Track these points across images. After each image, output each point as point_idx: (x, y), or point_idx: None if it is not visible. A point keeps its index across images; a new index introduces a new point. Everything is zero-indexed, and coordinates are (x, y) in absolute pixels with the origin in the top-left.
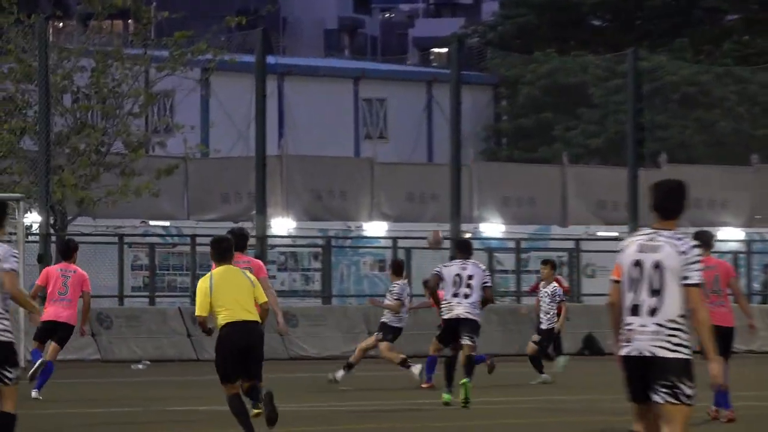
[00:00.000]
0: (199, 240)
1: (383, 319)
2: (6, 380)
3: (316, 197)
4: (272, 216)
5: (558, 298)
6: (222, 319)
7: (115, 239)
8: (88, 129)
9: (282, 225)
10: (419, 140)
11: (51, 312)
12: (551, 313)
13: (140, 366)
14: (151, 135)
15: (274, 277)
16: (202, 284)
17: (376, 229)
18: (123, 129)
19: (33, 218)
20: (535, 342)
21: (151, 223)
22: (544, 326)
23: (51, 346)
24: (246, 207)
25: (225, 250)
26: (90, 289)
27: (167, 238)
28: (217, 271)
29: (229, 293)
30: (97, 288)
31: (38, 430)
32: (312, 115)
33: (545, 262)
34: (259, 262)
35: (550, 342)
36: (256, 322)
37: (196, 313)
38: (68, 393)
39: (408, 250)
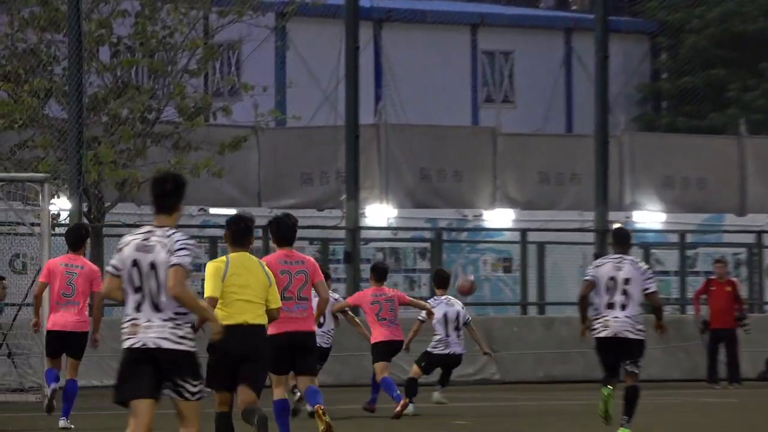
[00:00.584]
0: None
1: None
2: (186, 394)
3: (422, 178)
4: (367, 202)
5: None
6: (224, 317)
7: None
8: (132, 91)
9: (379, 214)
10: (555, 105)
11: (56, 319)
12: None
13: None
14: (213, 98)
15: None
16: (215, 264)
17: (499, 218)
18: (176, 91)
19: (62, 204)
20: None
21: (212, 211)
22: None
23: (68, 362)
24: (333, 190)
25: (243, 232)
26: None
27: None
28: (234, 257)
29: (241, 289)
30: None
31: None
32: (418, 72)
33: (719, 261)
34: (314, 261)
35: None
36: (263, 326)
37: (208, 295)
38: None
39: (540, 246)
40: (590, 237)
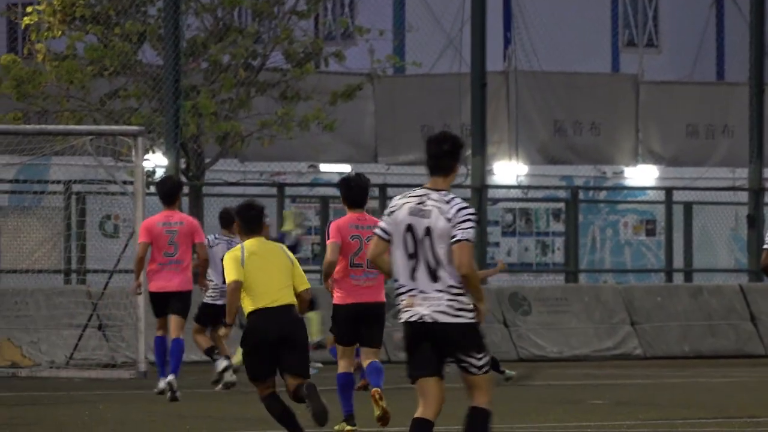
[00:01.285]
0: (390, 192)
1: None
2: (472, 369)
3: (557, 131)
4: (495, 158)
5: None
6: (250, 304)
7: (273, 190)
8: (235, 34)
9: (509, 171)
10: (704, 49)
11: (159, 281)
12: None
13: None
14: (324, 43)
15: (497, 244)
16: (232, 253)
17: (642, 176)
18: (283, 34)
19: (157, 160)
20: None
21: (323, 168)
22: None
23: (171, 320)
24: None
25: (254, 218)
26: (204, 240)
27: None
28: (250, 242)
29: (262, 272)
30: None
31: None
32: (551, 13)
33: None
34: None
35: None
36: (293, 306)
37: (232, 279)
38: None
39: (687, 206)
40: (743, 196)
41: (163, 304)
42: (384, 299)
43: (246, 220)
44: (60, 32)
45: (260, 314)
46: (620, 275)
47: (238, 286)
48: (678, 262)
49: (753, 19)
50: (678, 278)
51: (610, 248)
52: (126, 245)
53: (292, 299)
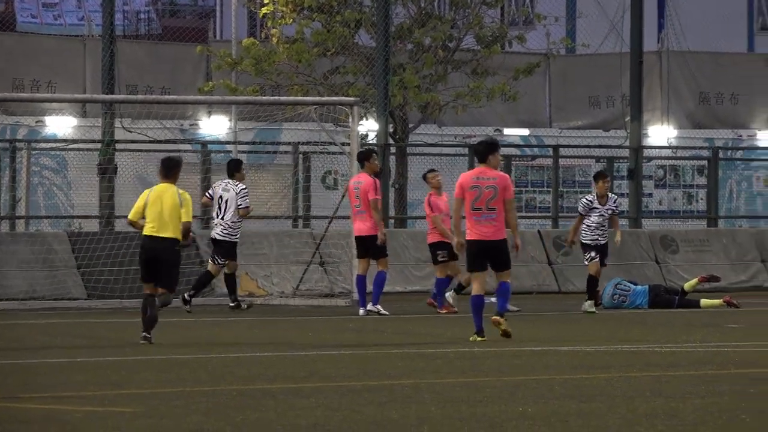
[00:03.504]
0: (563, 152)
1: None
2: None
3: (701, 101)
4: (649, 123)
5: None
6: (144, 229)
7: (465, 151)
8: (434, 21)
9: (661, 134)
10: None
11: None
12: None
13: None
14: (508, 28)
15: (650, 195)
16: (144, 194)
17: None
18: (475, 21)
19: (369, 126)
20: None
21: (506, 131)
22: None
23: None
24: (618, 112)
25: (170, 168)
26: (377, 196)
27: (526, 149)
28: (158, 186)
29: (154, 207)
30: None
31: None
32: (698, 2)
33: None
34: (508, 179)
35: None
36: (171, 239)
37: (129, 217)
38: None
39: None
40: None
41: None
42: (503, 236)
43: (164, 167)
44: (291, 20)
45: (146, 238)
46: (753, 221)
47: (131, 223)
48: None
49: None
50: None
51: (744, 198)
52: (343, 196)
53: (175, 233)
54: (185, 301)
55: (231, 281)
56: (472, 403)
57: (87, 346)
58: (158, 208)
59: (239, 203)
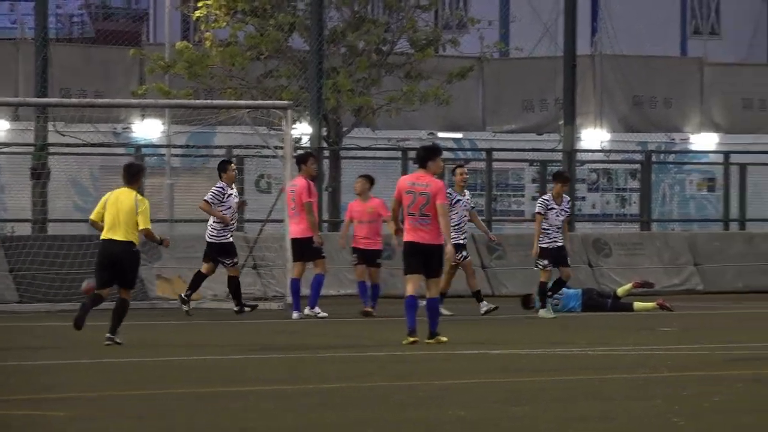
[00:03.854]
0: (496, 155)
1: None
2: None
3: (634, 104)
4: (582, 127)
5: None
6: (102, 234)
7: (398, 154)
8: (368, 24)
9: (594, 137)
10: (759, 36)
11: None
12: None
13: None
14: (442, 31)
15: (583, 198)
16: (105, 196)
17: (704, 142)
18: (409, 24)
19: (303, 129)
20: None
21: (440, 135)
22: None
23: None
24: (551, 116)
25: (133, 174)
26: (311, 198)
27: (459, 152)
28: (117, 190)
29: (110, 213)
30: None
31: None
32: (631, 6)
33: None
34: (441, 185)
35: None
36: (126, 241)
37: (90, 217)
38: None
39: (742, 167)
40: None
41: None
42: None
43: (126, 173)
44: (224, 23)
45: (102, 242)
46: (686, 224)
47: (92, 223)
48: (733, 213)
49: None
50: (733, 227)
51: (677, 202)
52: (276, 199)
53: (128, 236)
54: (183, 301)
55: (233, 285)
56: (404, 406)
57: (17, 348)
58: (114, 211)
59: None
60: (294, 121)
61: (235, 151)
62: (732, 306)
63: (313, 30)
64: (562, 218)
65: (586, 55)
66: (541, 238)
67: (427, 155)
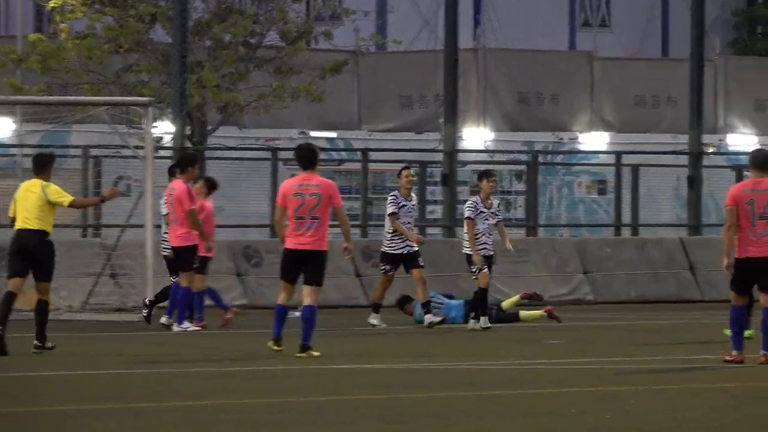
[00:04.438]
0: (373, 155)
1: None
2: None
3: (520, 101)
4: (465, 125)
5: None
6: (16, 225)
7: (268, 154)
8: (235, 15)
9: (477, 136)
10: (651, 29)
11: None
12: None
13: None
14: (314, 23)
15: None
16: (17, 191)
17: (595, 141)
18: (279, 16)
19: (165, 128)
20: None
21: (313, 134)
22: None
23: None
24: (431, 114)
25: (41, 164)
26: (193, 205)
27: (333, 153)
28: (26, 182)
29: (20, 203)
30: (245, 215)
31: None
32: None
33: None
34: (334, 185)
35: None
36: (39, 231)
37: (8, 214)
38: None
39: (635, 168)
40: (684, 160)
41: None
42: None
43: (35, 165)
44: (81, 14)
45: (16, 232)
46: (574, 229)
47: (10, 217)
48: (625, 217)
49: (694, 2)
50: (625, 232)
51: (565, 205)
52: (137, 203)
53: (41, 226)
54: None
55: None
56: (272, 425)
57: None
58: (24, 202)
59: None
60: (155, 119)
61: (93, 152)
62: (623, 317)
63: (176, 21)
64: (492, 222)
65: (469, 48)
66: (468, 244)
67: (315, 155)
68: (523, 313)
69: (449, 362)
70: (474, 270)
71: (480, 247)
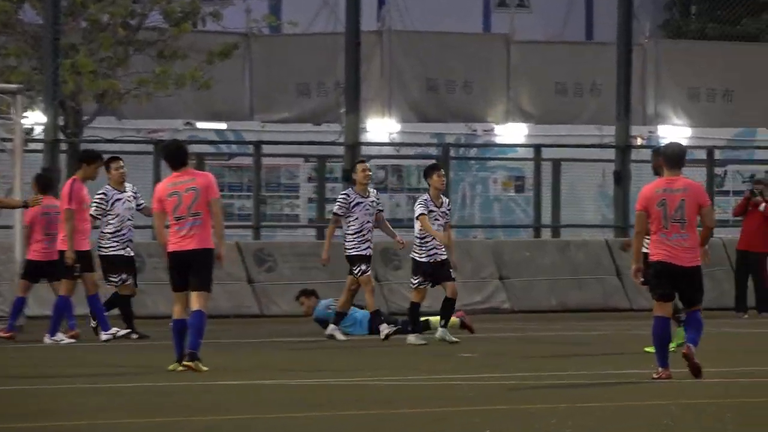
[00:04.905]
0: (266, 149)
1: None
2: None
3: (429, 89)
4: (368, 116)
5: None
6: None
7: (150, 147)
8: None
9: (381, 128)
10: (574, 9)
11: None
12: None
13: None
14: (201, 2)
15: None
16: None
17: (512, 133)
18: None
19: (36, 118)
20: None
21: (199, 125)
22: None
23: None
24: (331, 103)
25: None
26: (71, 206)
27: (222, 146)
28: None
29: None
30: None
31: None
32: None
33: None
34: (210, 177)
35: None
36: None
37: None
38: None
39: (556, 163)
40: (610, 153)
41: None
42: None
43: None
44: None
45: None
46: (489, 230)
47: None
48: (546, 217)
49: None
50: (546, 233)
51: (479, 204)
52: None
53: None
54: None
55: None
56: None
57: None
58: None
59: None
60: (25, 109)
61: None
62: (544, 327)
63: (48, 1)
64: (442, 222)
65: (372, 31)
66: (419, 252)
67: (184, 153)
68: (434, 319)
69: (351, 377)
70: (415, 282)
71: (429, 253)
